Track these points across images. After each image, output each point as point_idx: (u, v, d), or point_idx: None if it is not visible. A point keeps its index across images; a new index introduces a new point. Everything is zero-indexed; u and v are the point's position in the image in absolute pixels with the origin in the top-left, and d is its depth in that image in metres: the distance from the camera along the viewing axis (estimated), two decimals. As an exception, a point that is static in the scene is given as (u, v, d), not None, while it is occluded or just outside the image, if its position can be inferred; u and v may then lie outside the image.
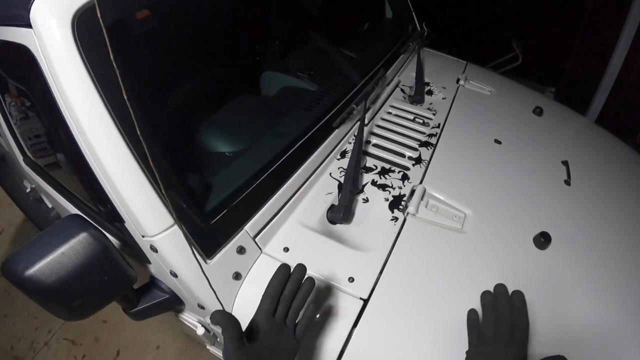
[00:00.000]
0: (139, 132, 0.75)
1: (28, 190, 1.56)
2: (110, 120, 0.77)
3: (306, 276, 0.78)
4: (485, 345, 0.74)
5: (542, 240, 1.06)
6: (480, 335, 0.76)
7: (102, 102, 0.77)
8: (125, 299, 0.96)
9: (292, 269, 0.76)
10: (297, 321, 0.76)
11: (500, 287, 0.78)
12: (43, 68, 0.78)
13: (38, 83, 0.82)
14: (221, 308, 0.90)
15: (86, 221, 0.82)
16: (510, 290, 0.79)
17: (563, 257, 1.07)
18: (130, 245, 0.96)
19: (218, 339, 1.13)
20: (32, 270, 0.74)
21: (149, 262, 0.97)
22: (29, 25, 0.76)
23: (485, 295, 0.78)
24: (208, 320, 1.02)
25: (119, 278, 0.85)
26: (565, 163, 1.37)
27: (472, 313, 0.79)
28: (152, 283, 1.03)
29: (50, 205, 1.49)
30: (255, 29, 1.49)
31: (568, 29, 2.86)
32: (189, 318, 1.10)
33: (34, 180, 1.39)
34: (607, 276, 1.04)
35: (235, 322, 0.66)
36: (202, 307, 0.94)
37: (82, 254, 0.79)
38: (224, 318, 0.66)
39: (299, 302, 0.75)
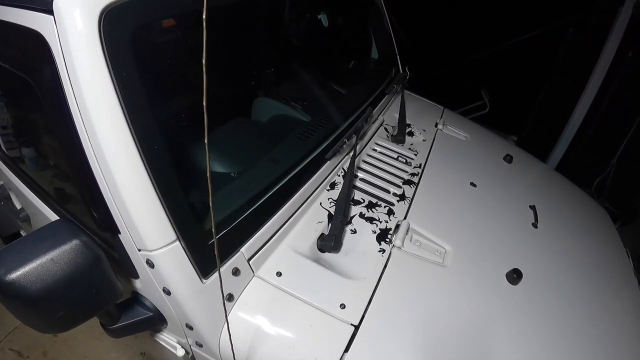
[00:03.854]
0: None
1: (-6, 187, 1.47)
2: (126, 126, 0.74)
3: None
4: None
5: (515, 276, 1.16)
6: None
7: (119, 105, 0.74)
8: (107, 314, 0.92)
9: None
10: None
11: None
12: (57, 58, 0.73)
13: (46, 72, 0.77)
14: (212, 329, 0.90)
15: (78, 228, 0.79)
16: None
17: (532, 292, 1.16)
18: (117, 257, 0.94)
19: (195, 362, 1.10)
20: (15, 275, 0.70)
21: (136, 277, 0.94)
22: (50, 12, 0.71)
23: None
24: (190, 342, 1.00)
25: (107, 291, 0.83)
26: (532, 207, 1.49)
27: None
28: (135, 299, 1.00)
29: (19, 206, 1.41)
30: (254, 55, 1.52)
31: (534, 83, 3.13)
32: (168, 338, 1.07)
33: (5, 176, 1.33)
34: (567, 312, 1.16)
35: None
36: (190, 328, 0.92)
37: (73, 263, 0.75)
38: None
39: None
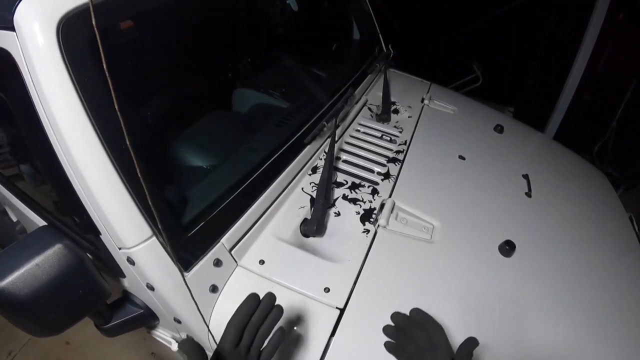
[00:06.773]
0: (123, 142, 0.76)
1: (-9, 203, 1.50)
2: (92, 129, 0.76)
3: (275, 304, 0.77)
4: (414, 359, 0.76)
5: (507, 248, 1.13)
6: (407, 355, 0.78)
7: (84, 110, 0.75)
8: (99, 314, 0.95)
9: (261, 298, 0.77)
10: (262, 349, 0.76)
11: (396, 315, 0.83)
12: (23, 73, 0.75)
13: (16, 88, 0.79)
14: (199, 322, 0.91)
15: (60, 232, 0.82)
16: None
17: (527, 264, 1.14)
18: (103, 258, 0.95)
19: (192, 355, 1.12)
20: (4, 283, 0.73)
21: (123, 276, 0.96)
22: (12, 29, 0.73)
23: (394, 316, 0.83)
24: (183, 336, 1.02)
25: (93, 291, 0.85)
26: (525, 177, 1.47)
27: (387, 345, 0.82)
28: (125, 298, 1.01)
29: (15, 219, 1.44)
30: (228, 46, 1.51)
31: (527, 51, 3.08)
32: (162, 334, 1.09)
33: (-1, 191, 1.35)
34: (566, 281, 1.13)
35: (202, 352, 0.65)
36: (179, 321, 0.93)
37: (57, 266, 0.78)
38: (192, 347, 0.64)
39: (265, 330, 0.75)
